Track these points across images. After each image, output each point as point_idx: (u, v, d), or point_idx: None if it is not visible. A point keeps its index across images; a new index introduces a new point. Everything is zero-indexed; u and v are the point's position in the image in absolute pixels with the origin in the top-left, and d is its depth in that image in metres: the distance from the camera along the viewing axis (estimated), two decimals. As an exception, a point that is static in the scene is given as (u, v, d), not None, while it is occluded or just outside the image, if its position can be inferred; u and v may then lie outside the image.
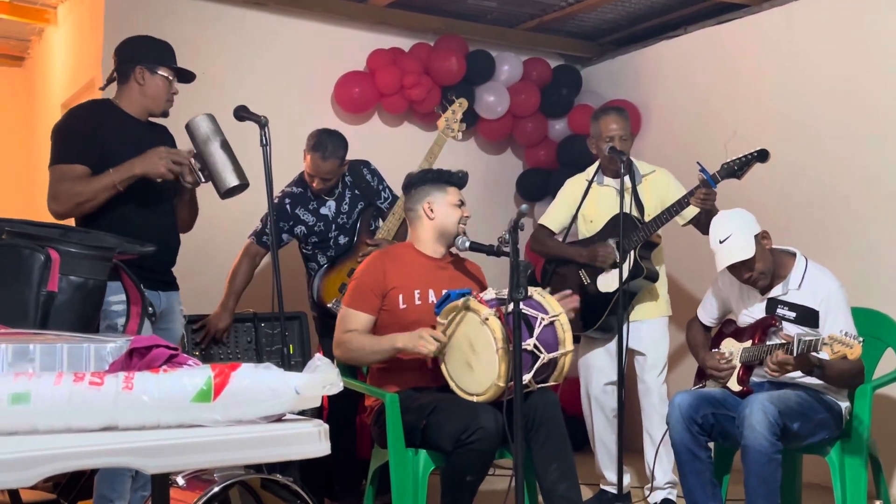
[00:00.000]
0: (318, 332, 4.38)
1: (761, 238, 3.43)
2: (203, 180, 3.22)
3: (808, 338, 3.15)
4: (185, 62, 3.42)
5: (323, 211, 4.29)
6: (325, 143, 4.17)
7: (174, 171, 3.15)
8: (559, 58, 6.17)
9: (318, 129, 4.27)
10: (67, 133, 3.25)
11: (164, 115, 3.38)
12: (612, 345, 4.14)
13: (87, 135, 3.20)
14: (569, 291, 3.44)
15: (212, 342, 4.06)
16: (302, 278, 4.46)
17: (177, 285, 3.44)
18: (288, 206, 4.26)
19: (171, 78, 3.33)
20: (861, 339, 3.05)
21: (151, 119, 3.39)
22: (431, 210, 3.52)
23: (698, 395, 3.46)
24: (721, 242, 3.43)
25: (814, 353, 3.22)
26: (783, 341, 3.29)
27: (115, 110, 3.30)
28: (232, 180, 3.16)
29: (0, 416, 1.42)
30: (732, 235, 3.41)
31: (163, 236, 3.27)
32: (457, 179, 3.58)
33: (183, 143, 3.35)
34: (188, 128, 3.21)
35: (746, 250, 3.38)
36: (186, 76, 3.40)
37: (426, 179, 3.58)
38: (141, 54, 3.31)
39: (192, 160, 3.19)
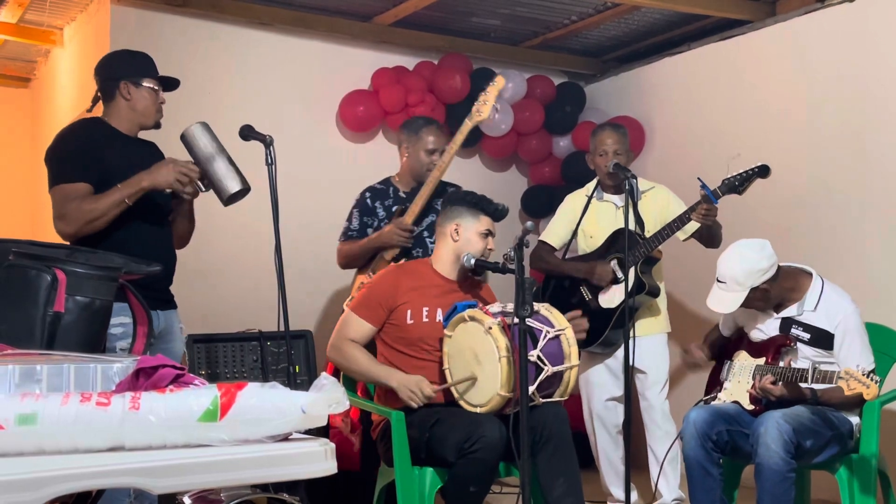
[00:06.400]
0: None
1: (763, 286, 3.41)
2: (204, 189, 3.17)
3: (824, 367, 3.15)
4: (189, 82, 3.42)
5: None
6: (427, 118, 4.33)
7: (182, 181, 3.10)
8: (563, 75, 6.19)
9: (406, 120, 4.33)
10: (65, 153, 3.20)
11: (157, 126, 3.32)
12: (613, 361, 4.17)
13: (85, 152, 3.16)
14: (578, 312, 3.43)
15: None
16: (308, 296, 4.45)
17: (175, 303, 3.40)
18: (368, 200, 4.25)
19: (156, 88, 3.28)
20: (878, 378, 3.04)
21: (141, 135, 3.34)
22: (457, 233, 3.50)
23: (713, 411, 3.44)
24: (718, 282, 3.45)
25: (805, 385, 3.24)
26: (799, 366, 3.29)
27: (108, 128, 3.26)
28: (234, 186, 3.11)
29: (7, 437, 1.42)
30: (727, 284, 3.43)
31: (161, 254, 3.20)
32: (493, 210, 3.52)
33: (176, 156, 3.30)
34: (184, 138, 3.15)
35: (731, 305, 3.44)
36: (171, 83, 3.35)
37: (464, 201, 3.55)
38: (122, 69, 3.26)
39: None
